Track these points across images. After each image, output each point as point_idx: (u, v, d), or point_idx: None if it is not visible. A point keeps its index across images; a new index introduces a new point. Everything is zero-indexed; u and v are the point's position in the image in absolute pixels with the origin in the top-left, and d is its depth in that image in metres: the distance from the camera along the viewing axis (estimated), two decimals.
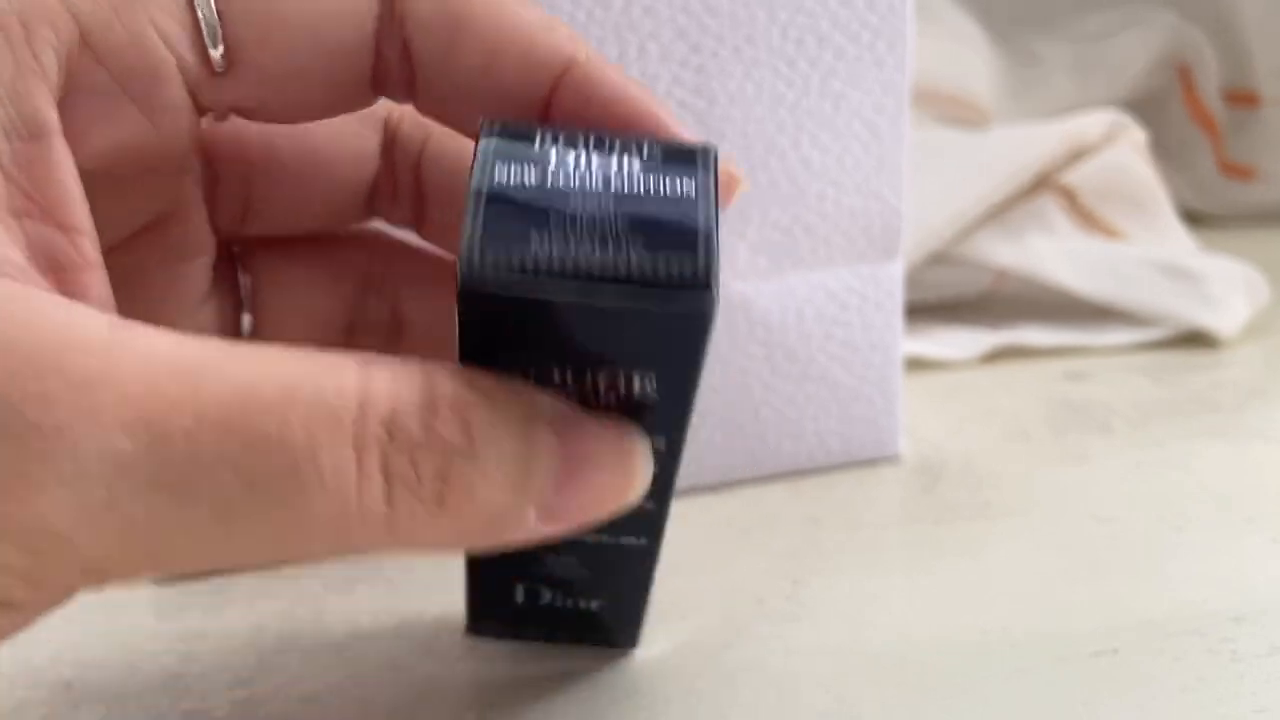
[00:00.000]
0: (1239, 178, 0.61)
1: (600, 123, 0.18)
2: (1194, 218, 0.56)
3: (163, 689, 0.25)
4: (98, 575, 0.14)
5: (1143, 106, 0.57)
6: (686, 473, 0.33)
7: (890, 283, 0.34)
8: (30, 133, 0.16)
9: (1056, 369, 0.42)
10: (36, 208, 0.15)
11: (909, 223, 0.34)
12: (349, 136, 0.21)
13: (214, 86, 0.18)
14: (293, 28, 0.17)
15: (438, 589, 0.28)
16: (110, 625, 0.28)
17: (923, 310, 0.45)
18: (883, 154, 0.33)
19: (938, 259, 0.45)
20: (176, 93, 0.17)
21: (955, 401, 0.40)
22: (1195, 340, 0.44)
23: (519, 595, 0.24)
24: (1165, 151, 0.58)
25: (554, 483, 0.16)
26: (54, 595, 0.15)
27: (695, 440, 0.33)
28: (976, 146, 0.47)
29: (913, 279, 0.44)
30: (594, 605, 0.24)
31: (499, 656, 0.26)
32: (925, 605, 0.27)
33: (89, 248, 0.16)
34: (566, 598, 0.24)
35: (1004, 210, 0.46)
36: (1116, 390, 0.40)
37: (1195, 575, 0.28)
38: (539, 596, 0.24)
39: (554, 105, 0.18)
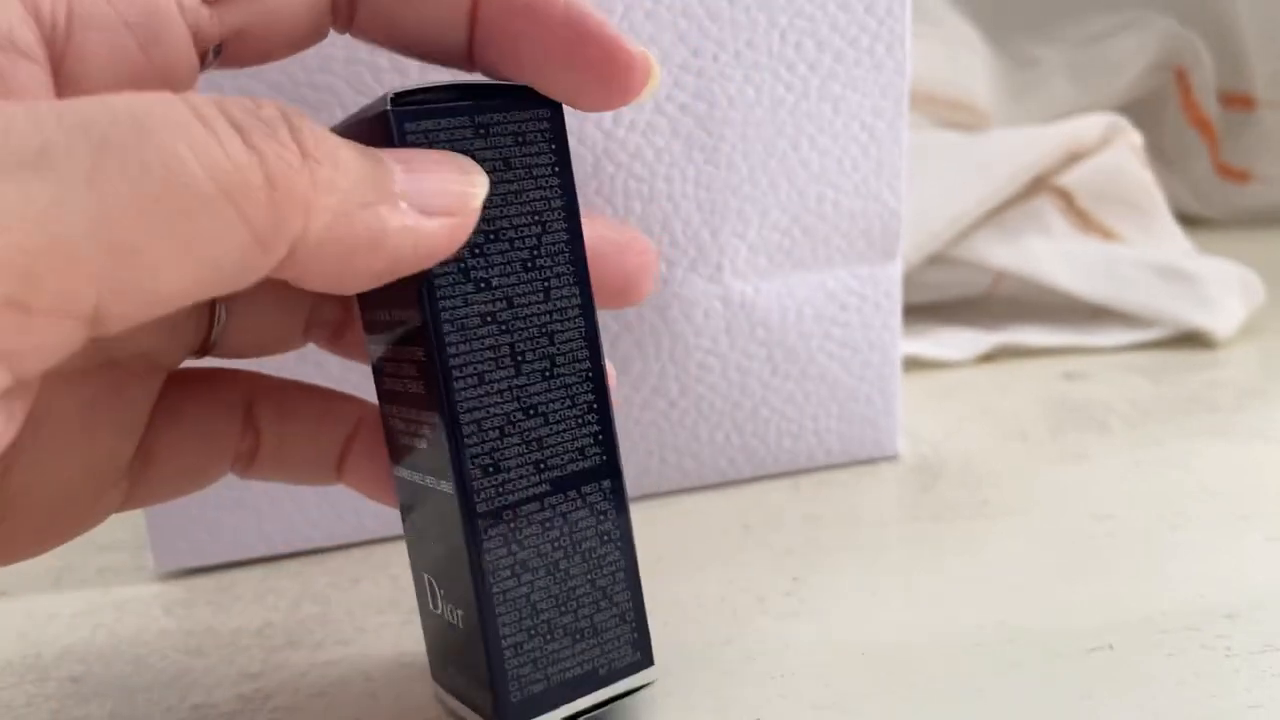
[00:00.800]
0: (1235, 180, 0.61)
1: (519, 25, 0.20)
2: (1190, 220, 0.56)
3: (170, 684, 0.25)
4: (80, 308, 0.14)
5: (1140, 110, 0.58)
6: (688, 471, 0.34)
7: (889, 283, 0.34)
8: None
9: (1054, 369, 0.43)
10: None
11: (908, 224, 0.35)
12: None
13: (205, 19, 0.19)
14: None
15: None
16: (118, 621, 0.28)
17: (922, 311, 0.46)
18: (881, 156, 0.33)
19: (937, 260, 0.46)
20: (177, 29, 0.18)
21: (954, 401, 0.40)
22: (1192, 341, 0.44)
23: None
24: (1162, 154, 0.58)
25: (400, 171, 0.17)
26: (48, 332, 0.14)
27: (696, 439, 0.33)
28: (975, 149, 0.48)
29: (912, 280, 0.45)
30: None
31: None
32: (923, 602, 0.28)
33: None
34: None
35: (1002, 212, 0.46)
36: (1114, 390, 0.41)
37: (1191, 573, 0.28)
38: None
39: (480, 22, 0.20)
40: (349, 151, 0.17)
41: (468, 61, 0.21)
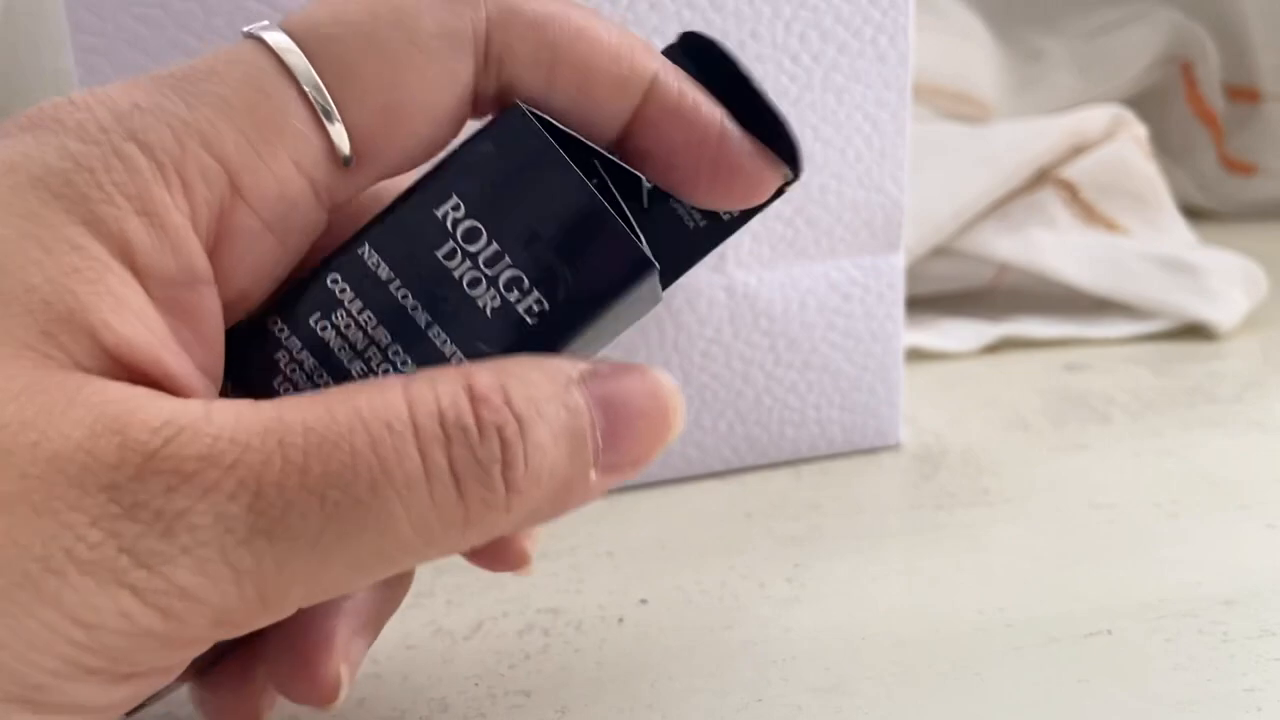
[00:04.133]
0: (1240, 173, 0.61)
1: (677, 134, 0.20)
2: (1195, 213, 0.56)
3: None
4: (225, 626, 0.16)
5: (1145, 102, 0.58)
6: (691, 459, 0.34)
7: (892, 274, 0.34)
8: (186, 280, 0.17)
9: (1056, 360, 0.43)
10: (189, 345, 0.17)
11: (912, 216, 0.35)
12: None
13: (340, 185, 0.19)
14: (411, 113, 0.18)
15: (447, 569, 0.29)
16: None
17: (925, 302, 0.46)
18: (884, 147, 0.33)
19: (940, 252, 0.46)
20: (312, 213, 0.18)
21: (956, 392, 0.40)
22: (1194, 333, 0.45)
23: None
24: (1167, 147, 0.58)
25: (604, 437, 0.17)
26: (185, 653, 0.16)
27: (699, 427, 0.34)
28: (979, 141, 0.48)
29: (916, 272, 0.45)
30: None
31: (509, 633, 0.26)
32: (923, 589, 0.28)
33: (211, 390, 0.18)
34: None
35: (1006, 204, 0.46)
36: (1115, 381, 0.41)
37: (1189, 560, 0.29)
38: None
39: (640, 118, 0.20)
40: (556, 456, 0.17)
41: (609, 144, 0.20)
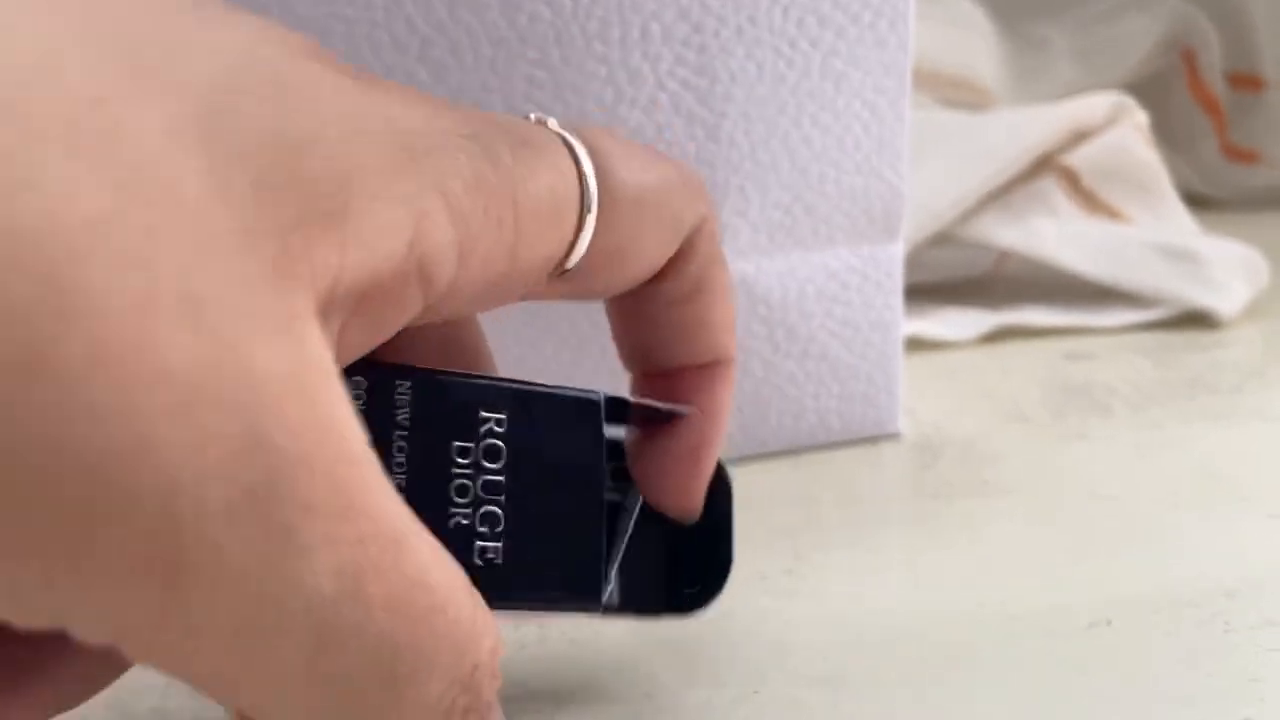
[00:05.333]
0: (1242, 161, 0.61)
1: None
2: (1197, 200, 0.56)
3: None
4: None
5: (1146, 89, 0.57)
6: None
7: (891, 262, 0.34)
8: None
9: (1057, 349, 0.43)
10: None
11: (911, 204, 0.35)
12: None
13: (547, 284, 0.19)
14: (628, 263, 0.19)
15: None
16: None
17: (925, 290, 0.46)
18: (884, 134, 0.33)
19: (940, 240, 0.46)
20: (515, 298, 0.18)
21: (955, 381, 0.40)
22: (1195, 321, 0.44)
23: None
24: (1169, 135, 0.58)
25: None
26: None
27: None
28: (979, 128, 0.47)
29: (915, 260, 0.45)
30: None
31: (505, 625, 0.26)
32: (923, 579, 0.28)
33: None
34: None
35: (1006, 192, 0.46)
36: (1116, 371, 0.41)
37: (1190, 551, 0.28)
38: None
39: (684, 383, 0.21)
40: None
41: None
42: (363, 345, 0.15)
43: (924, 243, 0.45)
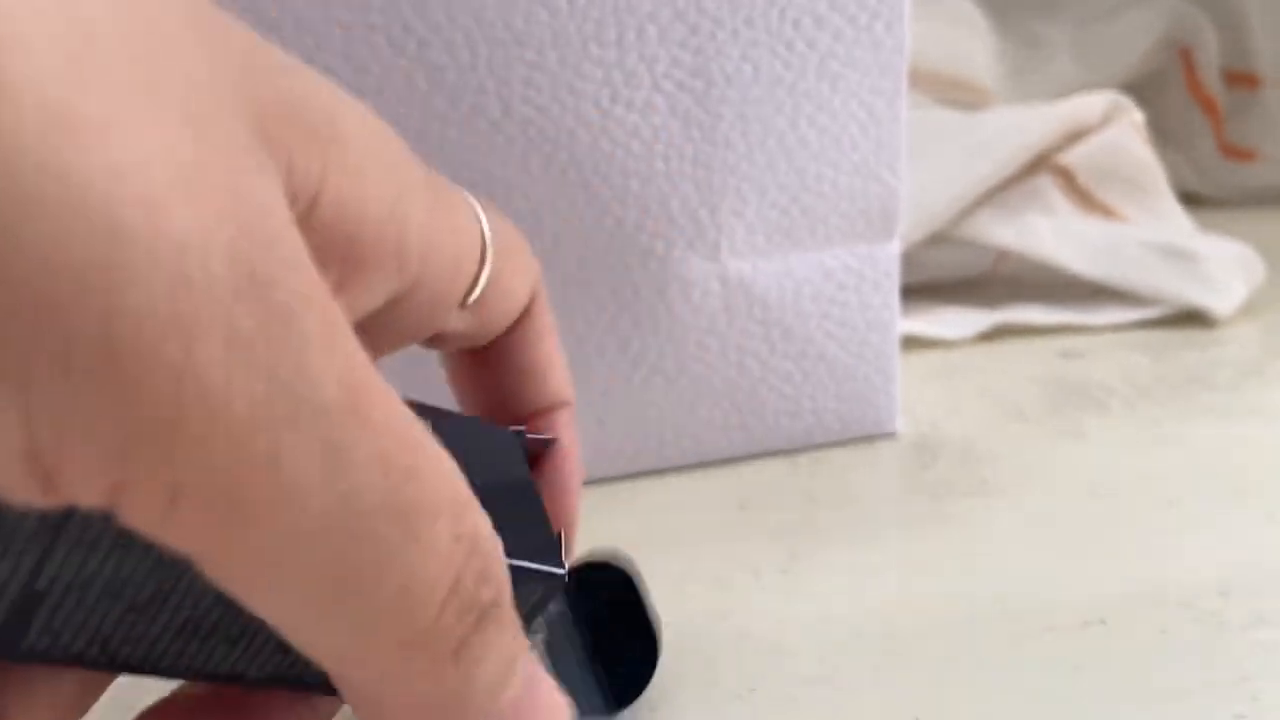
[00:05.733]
0: (1239, 159, 0.61)
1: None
2: (1194, 199, 0.56)
3: None
4: None
5: (1144, 88, 0.57)
6: (686, 449, 0.34)
7: (888, 262, 0.34)
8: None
9: (1053, 347, 0.43)
10: None
11: (909, 203, 0.35)
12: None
13: (458, 316, 0.20)
14: (507, 300, 0.21)
15: None
16: None
17: (923, 290, 0.46)
18: (880, 135, 0.33)
19: (938, 239, 0.46)
20: (442, 323, 0.20)
21: (952, 380, 0.40)
22: (1191, 319, 0.44)
23: None
24: (1166, 133, 0.58)
25: (513, 701, 0.16)
26: None
27: (695, 417, 0.34)
28: (976, 128, 0.48)
29: (913, 259, 0.45)
30: None
31: None
32: (919, 578, 0.28)
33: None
34: None
35: (1003, 191, 0.46)
36: (1113, 369, 0.41)
37: (1185, 549, 0.29)
38: None
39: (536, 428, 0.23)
40: (500, 652, 0.15)
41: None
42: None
43: (921, 242, 0.45)
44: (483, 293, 0.20)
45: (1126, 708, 0.22)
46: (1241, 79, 0.61)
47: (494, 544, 0.15)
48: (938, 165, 0.45)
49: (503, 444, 0.21)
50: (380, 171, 0.17)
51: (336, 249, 0.16)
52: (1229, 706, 0.22)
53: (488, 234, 0.20)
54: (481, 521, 0.15)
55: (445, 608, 0.14)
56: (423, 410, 0.17)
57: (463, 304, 0.20)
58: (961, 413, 0.37)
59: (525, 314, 0.22)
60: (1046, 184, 0.47)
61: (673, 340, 0.33)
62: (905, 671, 0.24)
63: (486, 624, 0.15)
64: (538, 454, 0.22)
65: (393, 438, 0.13)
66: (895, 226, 0.34)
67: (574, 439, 0.23)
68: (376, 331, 0.18)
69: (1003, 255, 0.46)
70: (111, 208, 0.11)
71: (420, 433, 0.14)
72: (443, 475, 0.14)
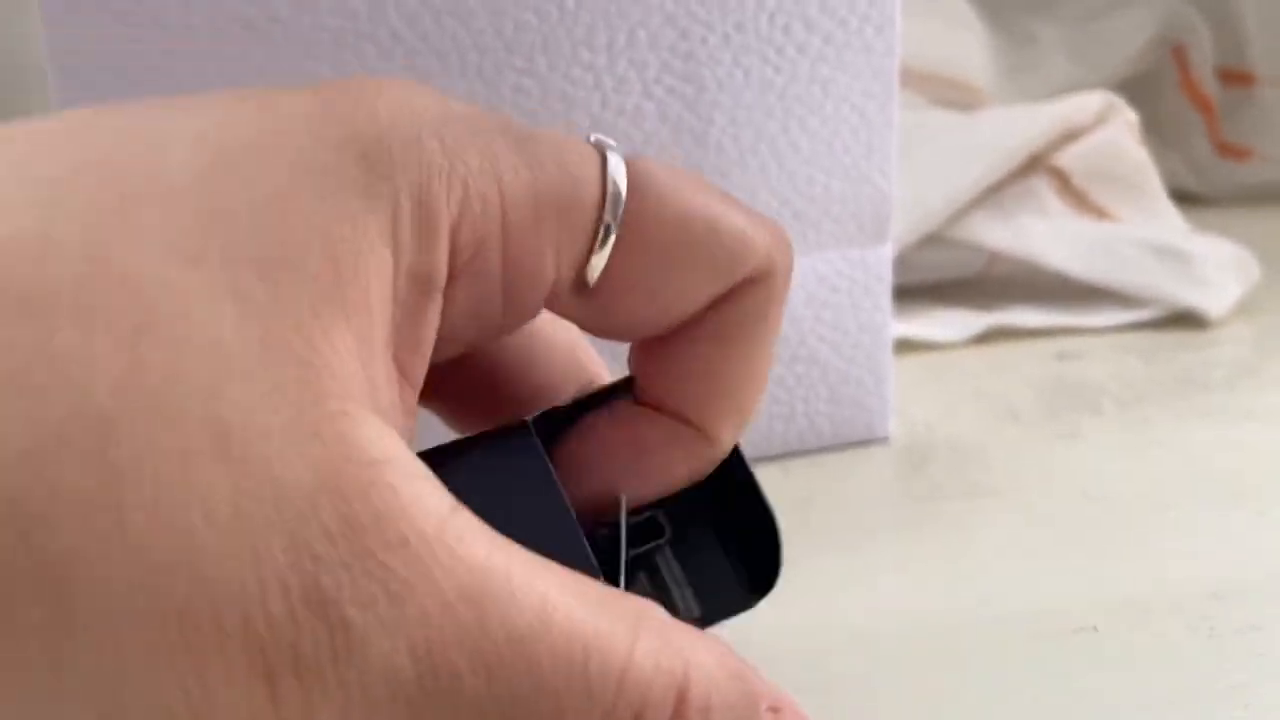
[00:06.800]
0: (1235, 158, 0.61)
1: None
2: (1189, 198, 0.56)
3: None
4: None
5: (1138, 86, 0.57)
6: None
7: (880, 266, 0.34)
8: (426, 287, 0.16)
9: (1047, 349, 0.43)
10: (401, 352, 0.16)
11: (902, 204, 0.35)
12: None
13: (568, 299, 0.18)
14: (657, 298, 0.18)
15: None
16: None
17: (916, 291, 0.46)
18: (872, 139, 0.33)
19: (932, 240, 0.46)
20: (535, 299, 0.17)
21: (946, 382, 0.40)
22: (1186, 320, 0.44)
23: None
24: (1161, 132, 0.58)
25: None
26: None
27: None
28: (969, 128, 0.47)
29: (906, 261, 0.45)
30: None
31: None
32: (911, 583, 0.28)
33: (413, 399, 0.16)
34: None
35: (997, 192, 0.46)
36: (1107, 370, 0.41)
37: (1178, 553, 0.28)
38: None
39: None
40: None
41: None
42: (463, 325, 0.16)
43: (914, 244, 0.45)
44: (610, 278, 0.17)
45: (1118, 714, 0.22)
46: (1236, 77, 0.61)
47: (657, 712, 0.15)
48: (931, 166, 0.45)
49: (520, 454, 0.19)
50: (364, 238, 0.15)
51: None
52: (1222, 713, 0.22)
53: (619, 191, 0.17)
54: (636, 692, 0.15)
55: None
56: (438, 457, 0.17)
57: (574, 287, 0.17)
58: (954, 416, 0.37)
59: (709, 309, 0.19)
60: (1041, 185, 0.47)
61: None
62: (897, 677, 0.24)
63: None
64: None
65: (489, 670, 0.13)
66: (887, 230, 0.34)
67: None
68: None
69: (996, 257, 0.46)
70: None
71: (535, 616, 0.14)
72: (563, 665, 0.14)
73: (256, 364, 0.13)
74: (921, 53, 0.52)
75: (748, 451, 0.32)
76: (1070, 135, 0.47)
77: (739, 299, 0.18)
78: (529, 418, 0.18)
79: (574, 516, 0.18)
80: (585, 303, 0.18)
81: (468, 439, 0.18)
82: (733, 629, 0.26)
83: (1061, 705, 0.23)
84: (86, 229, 0.13)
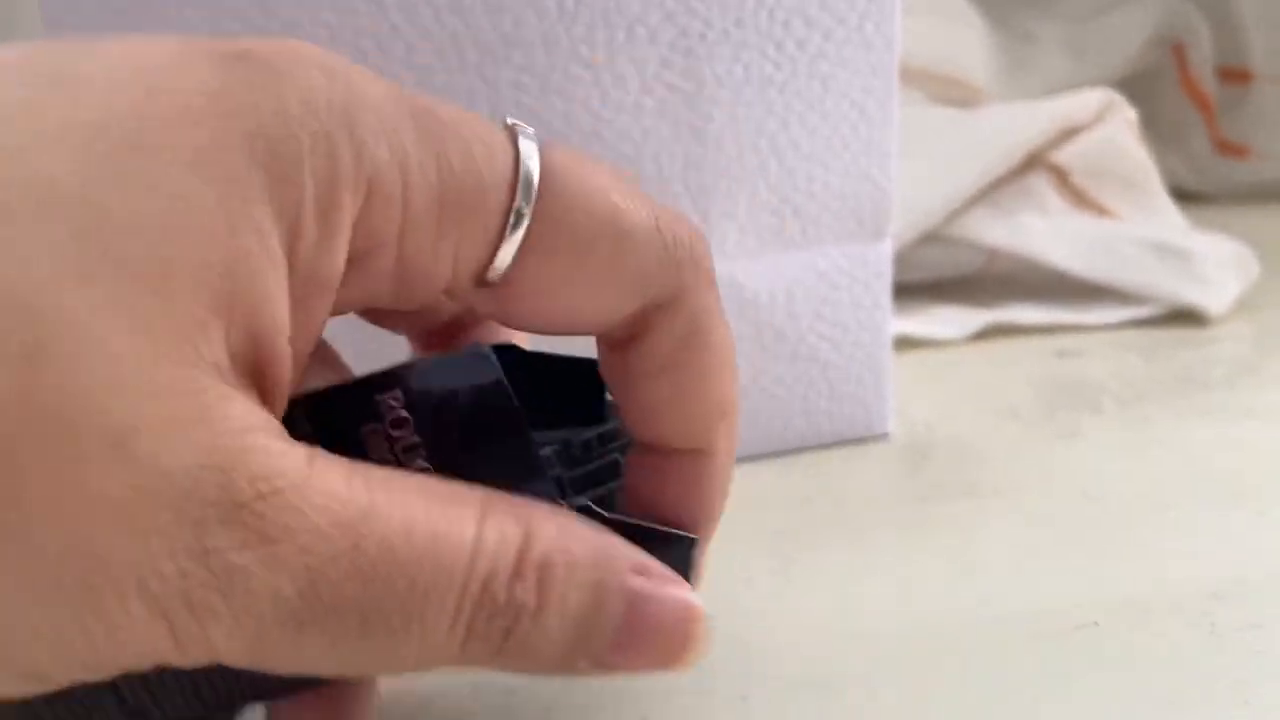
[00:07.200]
0: (1233, 155, 0.61)
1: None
2: (1188, 195, 0.56)
3: None
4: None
5: (1137, 84, 0.57)
6: None
7: (879, 263, 0.34)
8: (321, 288, 0.16)
9: (1047, 347, 0.43)
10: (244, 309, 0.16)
11: (901, 202, 0.35)
12: None
13: (468, 292, 0.18)
14: (559, 299, 0.18)
15: None
16: None
17: (916, 289, 0.46)
18: (871, 135, 0.33)
19: (931, 238, 0.46)
20: (428, 293, 0.18)
21: (945, 380, 0.40)
22: (1185, 318, 0.44)
23: None
24: (1160, 129, 0.58)
25: (611, 643, 0.17)
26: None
27: None
28: (968, 126, 0.47)
29: (906, 258, 0.45)
30: None
31: None
32: (911, 582, 0.28)
33: (284, 344, 0.16)
34: None
35: (996, 189, 0.46)
36: (1107, 368, 0.41)
37: (1178, 551, 0.28)
38: None
39: (670, 470, 0.21)
40: (556, 640, 0.17)
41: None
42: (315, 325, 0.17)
43: (914, 241, 0.45)
44: (515, 273, 0.18)
45: (1118, 713, 0.22)
46: (1235, 75, 0.61)
47: (515, 581, 0.17)
48: (930, 163, 0.45)
49: (468, 369, 0.20)
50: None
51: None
52: (1222, 711, 0.22)
53: (530, 178, 0.17)
54: (484, 565, 0.16)
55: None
56: (367, 383, 0.19)
57: (476, 279, 0.18)
58: (954, 414, 0.37)
59: (638, 337, 0.19)
60: (1040, 182, 0.47)
61: None
62: (898, 675, 0.24)
63: (516, 627, 0.17)
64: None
65: (361, 581, 0.15)
66: (887, 227, 0.34)
67: (700, 503, 0.21)
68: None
69: (996, 254, 0.46)
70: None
71: (384, 521, 0.16)
72: (417, 557, 0.16)
73: (146, 372, 0.14)
74: (921, 50, 0.52)
75: (747, 450, 0.31)
76: (1069, 133, 0.47)
77: (666, 326, 0.19)
78: (488, 347, 0.20)
79: (528, 427, 0.19)
80: (487, 297, 0.18)
81: (434, 362, 0.20)
82: (732, 629, 0.26)
83: (1061, 704, 0.23)
84: None
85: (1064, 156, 0.47)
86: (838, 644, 0.25)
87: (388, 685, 0.24)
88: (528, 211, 0.17)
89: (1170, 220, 0.48)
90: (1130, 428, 0.36)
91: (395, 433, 0.19)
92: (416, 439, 0.19)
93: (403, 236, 0.17)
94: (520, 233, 0.17)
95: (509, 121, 0.18)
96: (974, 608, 0.26)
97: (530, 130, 0.18)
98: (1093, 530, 0.30)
